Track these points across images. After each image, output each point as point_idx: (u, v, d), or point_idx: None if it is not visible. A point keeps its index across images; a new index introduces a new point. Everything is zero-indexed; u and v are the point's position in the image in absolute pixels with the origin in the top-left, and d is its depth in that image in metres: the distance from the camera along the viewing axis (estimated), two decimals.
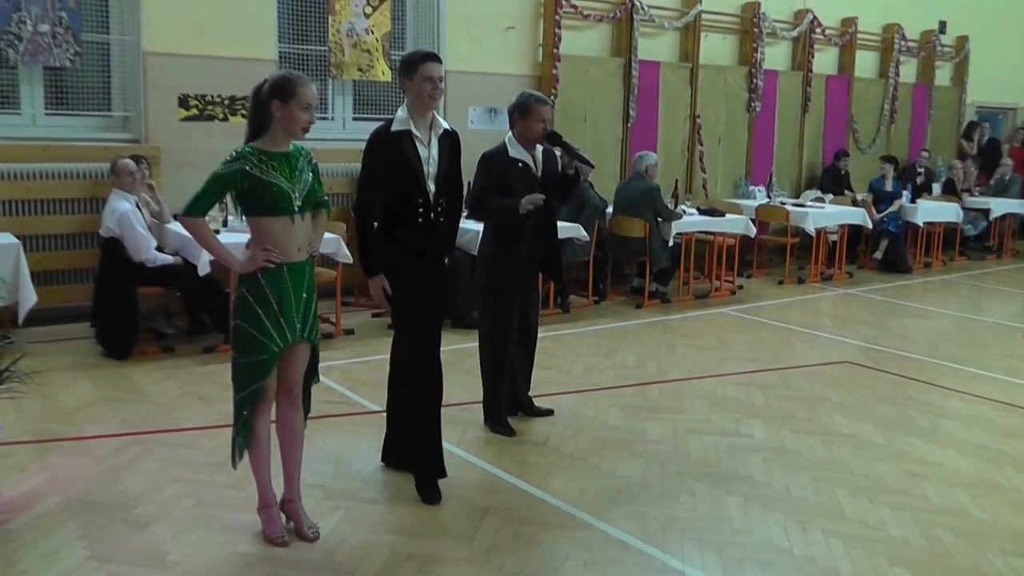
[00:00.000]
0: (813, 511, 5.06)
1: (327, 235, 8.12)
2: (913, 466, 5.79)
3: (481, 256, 6.26)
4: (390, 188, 4.92)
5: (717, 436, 6.21)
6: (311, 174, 4.39)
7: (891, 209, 13.27)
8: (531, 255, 6.11)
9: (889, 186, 13.61)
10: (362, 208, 5.02)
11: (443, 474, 5.13)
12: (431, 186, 4.93)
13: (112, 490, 5.00)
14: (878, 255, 13.24)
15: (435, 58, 4.93)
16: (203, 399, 6.58)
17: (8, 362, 4.98)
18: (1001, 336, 9.73)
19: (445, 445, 5.39)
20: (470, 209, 6.09)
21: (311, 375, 4.64)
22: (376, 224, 5.02)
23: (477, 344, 6.27)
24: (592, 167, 6.59)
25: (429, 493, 5.00)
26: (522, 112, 5.89)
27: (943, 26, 16.31)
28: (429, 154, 4.93)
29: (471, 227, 8.68)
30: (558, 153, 6.17)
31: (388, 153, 4.87)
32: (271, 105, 4.23)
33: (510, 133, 6.00)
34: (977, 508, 5.19)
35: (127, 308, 7.53)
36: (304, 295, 4.41)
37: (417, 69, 4.86)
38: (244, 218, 4.38)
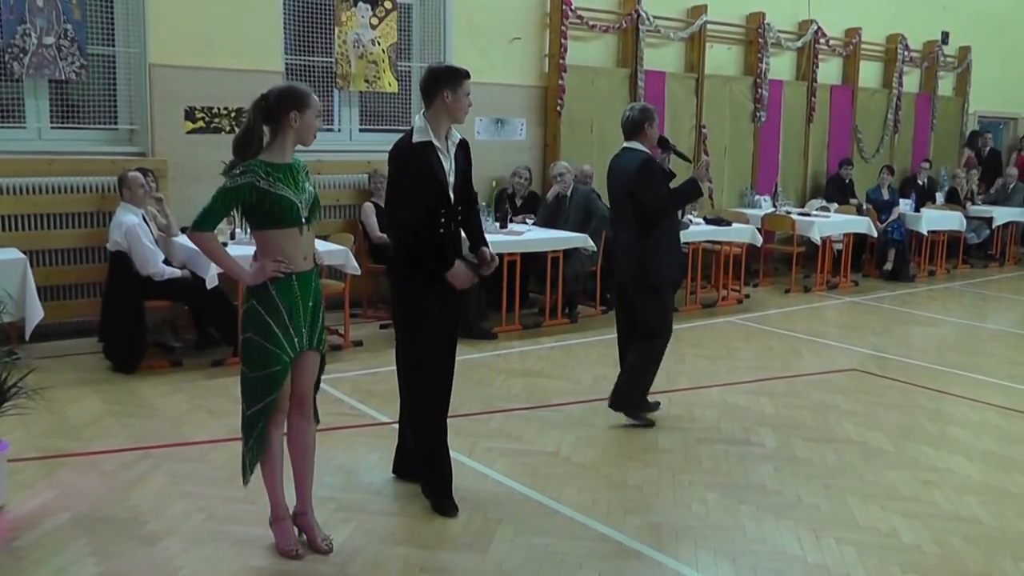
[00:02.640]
0: (825, 519, 5.07)
1: (335, 247, 8.20)
2: (923, 473, 5.81)
3: (651, 256, 6.43)
4: (421, 199, 4.88)
5: (727, 445, 6.22)
6: (311, 186, 4.41)
7: (892, 218, 13.31)
8: None
9: (886, 195, 13.69)
10: (407, 222, 4.88)
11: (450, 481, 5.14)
12: (451, 195, 4.93)
13: (122, 506, 4.98)
14: (888, 266, 13.26)
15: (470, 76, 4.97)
16: (212, 412, 6.56)
17: (15, 378, 4.97)
18: (1006, 343, 9.77)
19: (457, 456, 5.44)
20: (663, 210, 6.44)
21: (315, 385, 4.63)
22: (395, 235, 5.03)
23: (641, 339, 6.55)
24: (689, 161, 7.34)
25: (445, 506, 5.00)
26: (651, 121, 6.44)
27: (946, 37, 16.36)
28: (450, 164, 4.94)
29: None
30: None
31: (418, 164, 4.83)
32: (287, 117, 4.24)
33: (636, 141, 6.43)
34: (987, 514, 5.21)
35: (135, 322, 7.50)
36: (311, 304, 4.41)
37: (462, 84, 4.86)
38: (249, 231, 4.38)
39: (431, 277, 4.90)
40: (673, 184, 6.48)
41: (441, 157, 4.88)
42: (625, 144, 6.52)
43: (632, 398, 6.57)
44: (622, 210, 6.55)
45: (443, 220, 4.90)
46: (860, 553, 4.66)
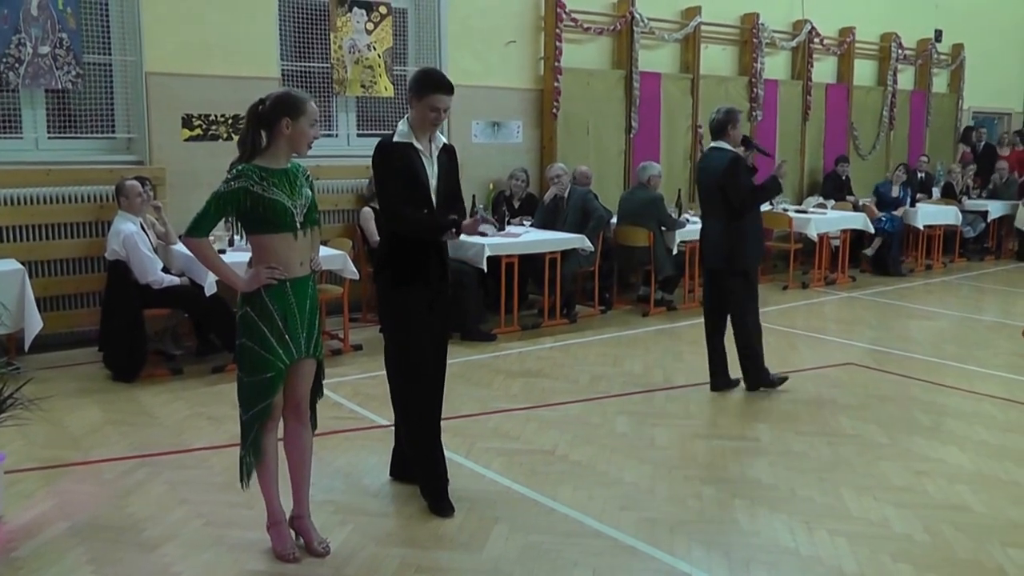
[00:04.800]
0: (818, 511, 5.10)
1: (334, 251, 8.21)
2: (916, 464, 5.85)
3: (739, 243, 7.15)
4: (407, 196, 4.91)
5: (724, 440, 6.26)
6: (310, 190, 4.43)
7: (894, 213, 13.39)
8: None
9: (895, 192, 13.75)
10: (398, 215, 4.93)
11: (447, 481, 5.19)
12: (433, 198, 4.96)
13: (120, 513, 4.99)
14: (869, 251, 13.40)
15: (446, 89, 4.89)
16: (212, 419, 6.59)
17: (12, 388, 4.96)
18: (1001, 334, 9.79)
19: (454, 457, 5.53)
20: (747, 206, 7.09)
21: (316, 391, 4.67)
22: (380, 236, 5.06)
23: (735, 328, 7.32)
24: (770, 156, 8.26)
25: (441, 506, 5.03)
26: (734, 122, 7.14)
27: (939, 35, 16.47)
28: (433, 167, 4.97)
29: (476, 240, 8.75)
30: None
31: (399, 161, 4.88)
32: (280, 124, 4.26)
33: (721, 141, 7.15)
34: (978, 502, 5.26)
35: (134, 331, 7.51)
36: (308, 310, 4.43)
37: (423, 97, 4.85)
38: (245, 236, 4.41)
39: (420, 276, 4.96)
40: (753, 179, 7.17)
41: (423, 159, 4.92)
42: (712, 144, 7.27)
43: (760, 372, 7.35)
44: (712, 203, 7.27)
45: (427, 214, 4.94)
46: (852, 543, 4.69)
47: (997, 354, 8.81)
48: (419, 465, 5.16)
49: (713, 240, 7.29)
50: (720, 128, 7.17)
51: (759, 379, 7.36)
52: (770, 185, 7.27)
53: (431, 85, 4.88)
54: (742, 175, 7.06)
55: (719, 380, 7.42)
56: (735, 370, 7.44)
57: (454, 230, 4.91)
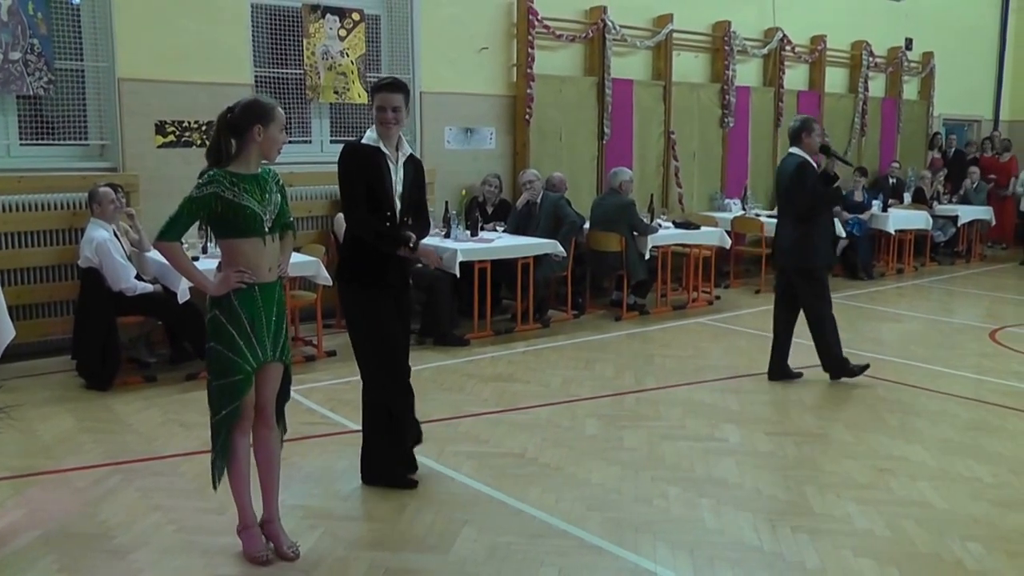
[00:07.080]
0: (783, 509, 5.18)
1: (307, 258, 8.21)
2: (880, 462, 5.94)
3: (806, 245, 7.53)
4: (371, 198, 5.01)
5: (691, 441, 6.31)
6: (279, 196, 4.47)
7: (862, 217, 13.56)
8: None
9: (859, 196, 13.88)
10: (358, 218, 5.06)
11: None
12: (397, 203, 5.03)
13: (91, 521, 4.99)
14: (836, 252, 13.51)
15: (391, 88, 5.03)
16: (185, 426, 6.59)
17: None
18: (969, 336, 9.93)
19: (425, 460, 5.63)
20: (806, 211, 7.43)
21: (284, 395, 4.70)
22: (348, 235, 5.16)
23: (809, 323, 7.77)
24: (850, 164, 8.67)
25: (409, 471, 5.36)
26: (808, 130, 7.47)
27: (909, 43, 16.66)
28: (399, 173, 5.04)
29: (449, 245, 8.82)
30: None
31: (364, 163, 4.97)
32: (252, 131, 4.30)
33: (797, 148, 7.52)
34: (939, 498, 5.35)
35: (108, 338, 7.50)
36: (275, 315, 4.47)
37: (374, 97, 5.04)
38: (215, 241, 4.46)
39: (381, 276, 5.05)
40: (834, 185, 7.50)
41: (389, 164, 5.00)
42: (789, 149, 7.65)
43: (835, 363, 7.76)
44: (783, 204, 7.76)
45: (388, 224, 5.02)
46: (814, 539, 4.77)
47: (963, 355, 8.94)
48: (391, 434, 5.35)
49: (782, 240, 7.74)
50: (795, 135, 7.55)
51: (840, 367, 7.77)
52: (829, 195, 7.49)
53: (377, 86, 5.08)
54: (805, 183, 7.35)
55: (777, 370, 7.89)
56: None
57: (410, 245, 5.01)
